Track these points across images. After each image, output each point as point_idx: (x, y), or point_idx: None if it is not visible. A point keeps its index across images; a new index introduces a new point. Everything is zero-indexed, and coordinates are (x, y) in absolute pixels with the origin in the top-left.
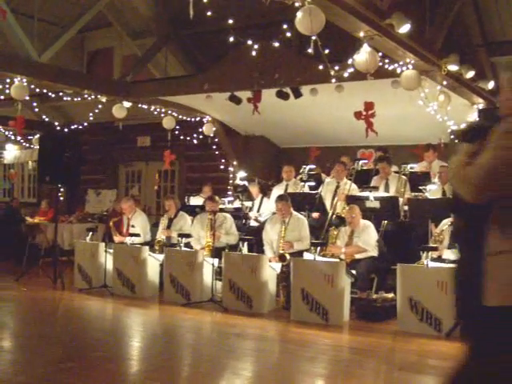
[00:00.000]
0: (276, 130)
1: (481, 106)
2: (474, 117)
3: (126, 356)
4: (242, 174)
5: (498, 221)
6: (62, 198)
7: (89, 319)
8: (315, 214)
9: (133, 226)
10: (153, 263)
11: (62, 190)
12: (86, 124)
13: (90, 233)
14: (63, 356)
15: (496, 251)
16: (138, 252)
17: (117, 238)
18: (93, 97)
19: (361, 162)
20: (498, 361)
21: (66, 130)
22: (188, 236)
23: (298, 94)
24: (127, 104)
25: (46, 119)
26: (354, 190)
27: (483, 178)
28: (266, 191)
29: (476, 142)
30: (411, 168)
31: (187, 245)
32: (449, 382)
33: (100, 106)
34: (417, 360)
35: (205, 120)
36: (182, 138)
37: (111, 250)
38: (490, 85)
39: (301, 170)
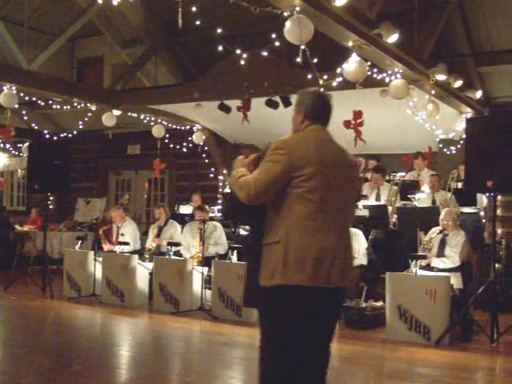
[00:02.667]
0: (266, 138)
1: (469, 115)
2: (462, 126)
3: (115, 365)
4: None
5: (268, 219)
6: (51, 207)
7: (77, 328)
8: None
9: (122, 235)
10: (142, 272)
11: (51, 198)
12: (75, 132)
13: (80, 241)
14: (51, 365)
15: (265, 243)
16: (128, 260)
17: (106, 247)
18: (82, 105)
19: None
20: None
21: (55, 138)
22: (178, 245)
23: (287, 103)
24: (117, 112)
25: (36, 127)
26: None
27: (256, 186)
28: None
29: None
30: (401, 177)
31: (177, 253)
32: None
33: (89, 115)
34: (406, 368)
35: (194, 129)
36: (171, 146)
37: (100, 259)
38: (478, 94)
39: None
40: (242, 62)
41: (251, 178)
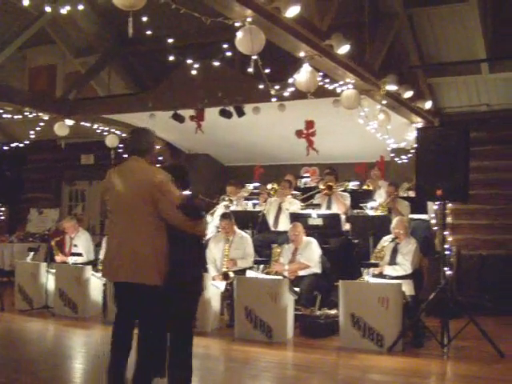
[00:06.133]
0: (220, 148)
1: (420, 125)
2: (413, 135)
3: (68, 378)
4: (185, 192)
5: None
6: (2, 217)
7: (29, 341)
8: None
9: (75, 246)
10: (96, 283)
11: (2, 208)
12: (27, 142)
13: (32, 253)
14: (1, 380)
15: None
16: (81, 272)
17: (59, 258)
18: (34, 114)
19: (304, 179)
20: None
21: (6, 148)
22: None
23: (240, 113)
24: (69, 122)
25: None
26: (296, 204)
27: None
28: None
29: None
30: (355, 185)
31: None
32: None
33: (42, 124)
34: (360, 375)
35: None
36: (125, 156)
37: (53, 270)
38: (428, 104)
39: (244, 188)
40: (194, 72)
41: None
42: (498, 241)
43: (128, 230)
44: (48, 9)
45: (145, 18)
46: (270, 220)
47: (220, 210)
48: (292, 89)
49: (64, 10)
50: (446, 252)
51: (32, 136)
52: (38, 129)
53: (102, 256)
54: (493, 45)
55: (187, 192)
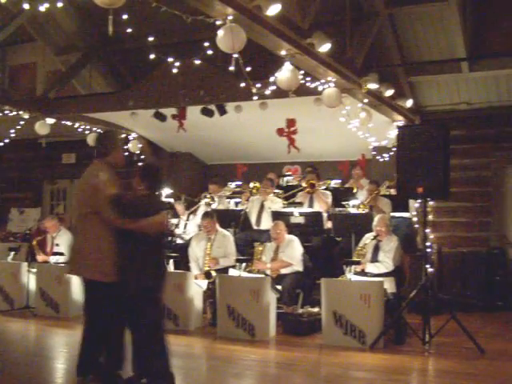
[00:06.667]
0: (202, 146)
1: (401, 123)
2: (394, 133)
3: (50, 379)
4: (167, 191)
5: None
6: None
7: (10, 342)
8: None
9: (57, 245)
10: (77, 282)
11: None
12: (7, 141)
13: (13, 252)
14: None
15: None
16: (63, 271)
17: (40, 258)
18: (14, 113)
19: (286, 178)
20: None
21: None
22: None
23: (222, 111)
24: (50, 120)
25: None
26: (278, 203)
27: None
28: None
29: None
30: (337, 184)
31: None
32: None
33: (22, 123)
34: (342, 373)
35: (130, 137)
36: None
37: (34, 270)
38: (409, 103)
39: (226, 187)
40: (175, 71)
41: None
42: (478, 238)
43: (78, 228)
44: (26, 6)
45: (125, 16)
46: (253, 218)
47: (202, 208)
48: (273, 87)
49: (43, 8)
50: (428, 249)
51: (13, 135)
52: (18, 127)
53: None
54: (472, 44)
55: (163, 192)
